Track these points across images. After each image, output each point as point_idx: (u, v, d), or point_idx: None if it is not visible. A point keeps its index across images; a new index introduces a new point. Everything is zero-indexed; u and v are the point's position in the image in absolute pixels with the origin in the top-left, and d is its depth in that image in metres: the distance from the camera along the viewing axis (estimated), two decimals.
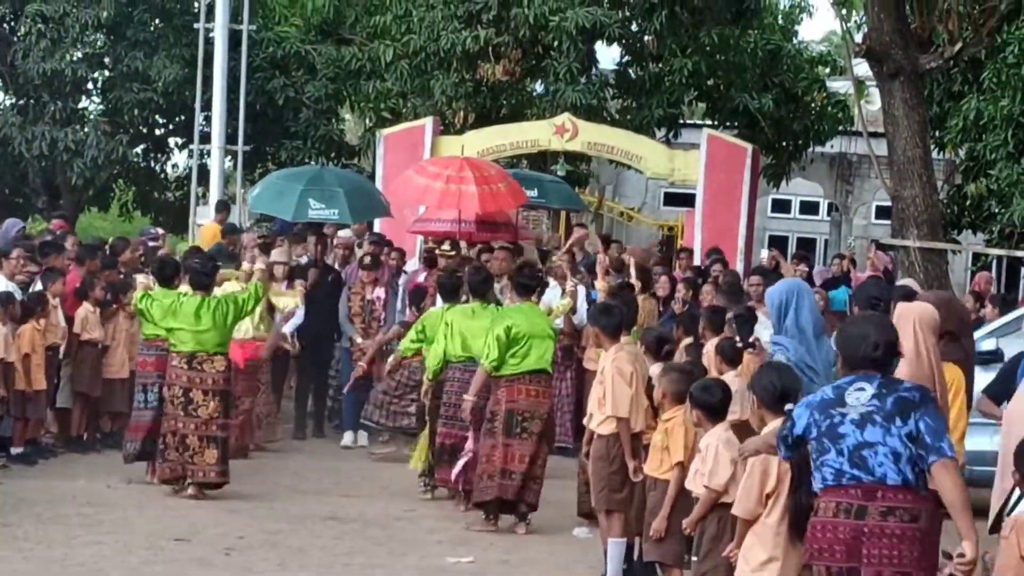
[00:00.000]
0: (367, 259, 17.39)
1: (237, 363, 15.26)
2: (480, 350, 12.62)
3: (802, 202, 36.26)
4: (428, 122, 21.70)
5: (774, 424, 7.55)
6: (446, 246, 17.27)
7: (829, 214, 34.82)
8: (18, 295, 14.55)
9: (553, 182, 20.90)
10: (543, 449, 12.53)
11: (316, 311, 17.18)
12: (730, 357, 11.21)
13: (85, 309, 15.28)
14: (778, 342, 9.48)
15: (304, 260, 18.33)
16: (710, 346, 12.37)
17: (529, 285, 12.88)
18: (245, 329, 15.41)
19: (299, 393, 17.91)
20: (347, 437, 17.03)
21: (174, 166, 29.35)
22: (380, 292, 17.04)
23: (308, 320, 17.18)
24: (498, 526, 12.48)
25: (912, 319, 8.62)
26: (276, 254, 17.74)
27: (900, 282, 13.90)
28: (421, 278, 17.07)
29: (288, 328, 17.16)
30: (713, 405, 9.10)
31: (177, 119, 27.39)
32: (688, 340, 12.63)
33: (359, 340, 16.84)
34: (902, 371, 8.50)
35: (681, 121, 25.27)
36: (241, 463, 15.53)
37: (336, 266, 18.37)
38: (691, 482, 9.12)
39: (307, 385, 17.83)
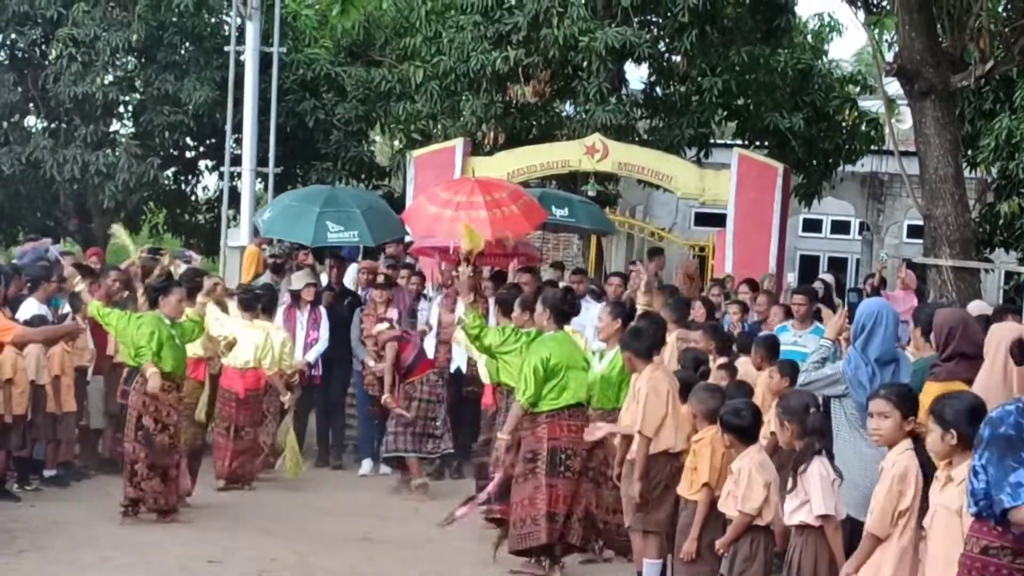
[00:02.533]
0: (380, 279, 17.08)
1: (237, 392, 15.19)
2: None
3: (833, 221, 36.15)
4: (458, 143, 21.70)
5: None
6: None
7: (860, 233, 34.69)
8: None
9: (583, 202, 20.77)
10: (584, 486, 11.78)
11: (332, 335, 17.03)
12: (791, 375, 11.15)
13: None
14: (849, 356, 9.45)
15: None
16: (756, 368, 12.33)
17: (567, 312, 12.21)
18: (244, 360, 15.20)
19: (319, 420, 17.58)
20: (365, 466, 16.71)
21: (205, 188, 29.42)
22: (393, 313, 16.55)
23: (332, 347, 17.07)
24: (545, 568, 11.79)
25: (996, 337, 8.72)
26: (298, 278, 17.55)
27: (972, 304, 13.89)
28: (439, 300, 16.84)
29: (312, 356, 16.99)
30: (744, 428, 9.07)
31: (208, 141, 27.46)
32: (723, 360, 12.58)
33: (371, 363, 16.17)
34: (978, 381, 8.57)
35: (711, 140, 25.19)
36: (275, 485, 15.56)
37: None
38: (724, 504, 9.10)
39: (326, 412, 17.51)
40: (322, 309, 17.24)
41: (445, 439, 15.32)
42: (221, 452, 15.24)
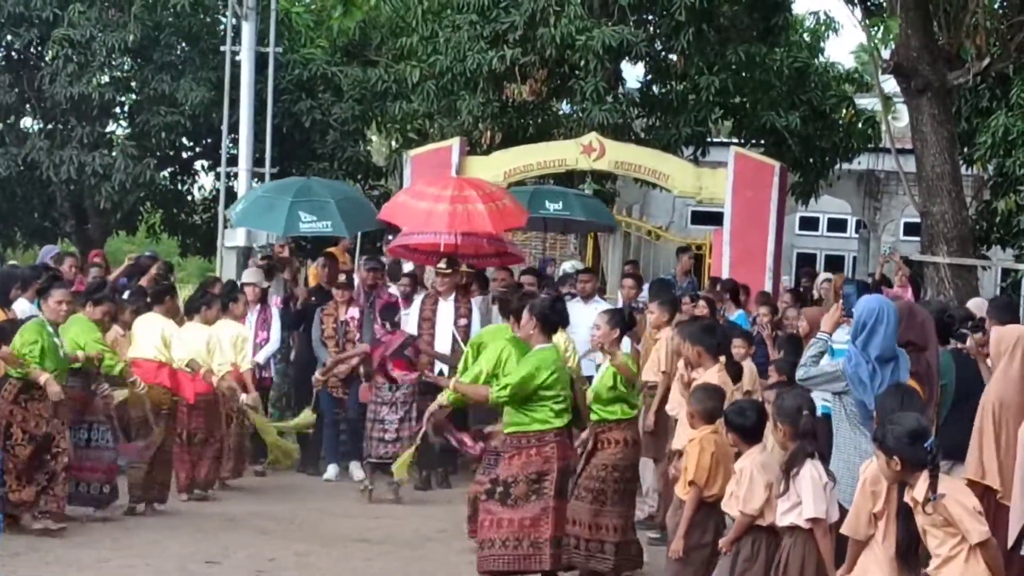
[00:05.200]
0: (342, 278, 16.65)
1: (188, 399, 14.46)
2: None
3: (830, 219, 36.12)
4: (455, 143, 21.64)
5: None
6: (442, 264, 15.98)
7: (857, 231, 34.68)
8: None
9: (578, 195, 20.76)
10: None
11: (309, 337, 16.58)
12: (789, 371, 11.13)
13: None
14: (849, 353, 9.41)
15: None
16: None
17: (555, 323, 11.40)
18: (203, 359, 14.50)
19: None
20: (330, 471, 16.25)
21: (201, 189, 29.39)
22: (354, 312, 16.22)
23: (302, 347, 16.78)
24: None
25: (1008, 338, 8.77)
26: (247, 275, 17.28)
27: (971, 302, 13.93)
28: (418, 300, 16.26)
29: (261, 357, 16.35)
30: (747, 427, 9.05)
31: (204, 142, 27.43)
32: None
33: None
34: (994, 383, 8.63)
35: (708, 139, 25.17)
36: (273, 485, 15.55)
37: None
38: (727, 504, 9.09)
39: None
40: (273, 309, 16.80)
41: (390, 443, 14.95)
42: (177, 463, 14.46)
